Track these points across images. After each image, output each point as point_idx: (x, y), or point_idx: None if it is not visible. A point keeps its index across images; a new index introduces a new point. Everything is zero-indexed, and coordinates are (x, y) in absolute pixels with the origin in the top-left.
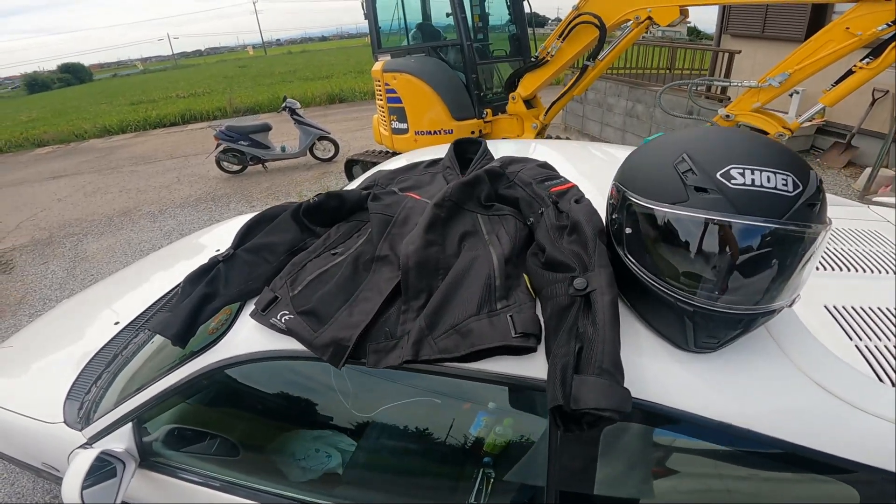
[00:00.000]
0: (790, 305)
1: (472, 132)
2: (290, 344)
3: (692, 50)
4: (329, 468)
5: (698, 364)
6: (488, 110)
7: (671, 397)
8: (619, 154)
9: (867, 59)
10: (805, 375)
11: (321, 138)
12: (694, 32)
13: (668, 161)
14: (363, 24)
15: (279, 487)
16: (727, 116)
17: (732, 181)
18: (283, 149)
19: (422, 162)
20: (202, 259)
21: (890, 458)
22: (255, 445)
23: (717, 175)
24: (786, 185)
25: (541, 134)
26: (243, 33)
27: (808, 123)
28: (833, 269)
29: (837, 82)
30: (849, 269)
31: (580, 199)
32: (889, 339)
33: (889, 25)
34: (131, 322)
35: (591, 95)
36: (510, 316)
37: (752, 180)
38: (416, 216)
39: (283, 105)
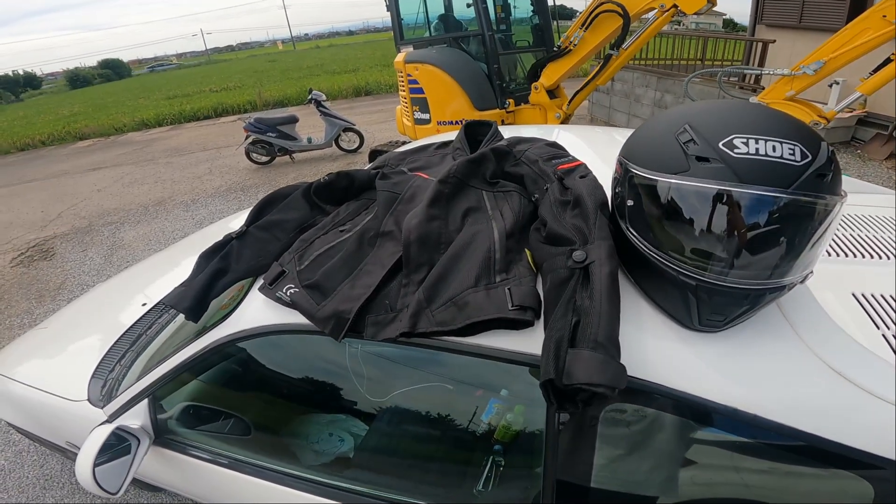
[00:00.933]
0: (802, 282)
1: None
2: (297, 318)
3: (724, 40)
4: (341, 452)
5: (704, 344)
6: (511, 100)
7: (673, 378)
8: None
9: None
10: (820, 360)
11: (346, 130)
12: (730, 24)
13: (670, 132)
14: (389, 19)
15: (288, 467)
16: (757, 104)
17: (735, 150)
18: (309, 140)
19: (433, 143)
20: None
21: None
22: (266, 426)
23: (720, 144)
24: (793, 154)
25: (564, 124)
26: (273, 28)
27: (849, 114)
28: (863, 257)
29: (875, 71)
30: (879, 257)
31: (586, 175)
32: None
33: None
34: (158, 303)
35: (618, 86)
36: (508, 289)
37: (757, 149)
38: (422, 194)
39: (309, 97)
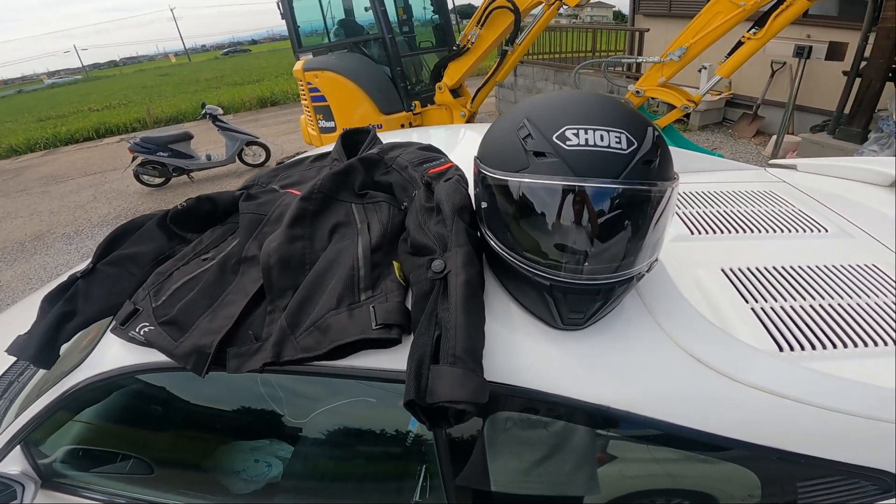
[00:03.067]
0: (648, 271)
1: (402, 125)
2: (160, 356)
3: (608, 31)
4: (271, 477)
5: (572, 343)
6: (416, 102)
7: (546, 381)
8: None
9: (754, 30)
10: (681, 349)
11: (250, 143)
12: (619, 16)
13: (512, 128)
14: None
15: (204, 500)
16: (637, 92)
17: (567, 142)
18: (208, 157)
19: (309, 156)
20: None
21: (776, 434)
22: (178, 462)
23: (553, 137)
24: (619, 142)
25: (470, 121)
26: (164, 41)
27: (719, 97)
28: (729, 232)
29: (730, 54)
30: (745, 231)
31: (451, 177)
32: (785, 300)
33: None
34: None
35: (520, 81)
36: (372, 307)
37: (586, 140)
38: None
39: (203, 112)
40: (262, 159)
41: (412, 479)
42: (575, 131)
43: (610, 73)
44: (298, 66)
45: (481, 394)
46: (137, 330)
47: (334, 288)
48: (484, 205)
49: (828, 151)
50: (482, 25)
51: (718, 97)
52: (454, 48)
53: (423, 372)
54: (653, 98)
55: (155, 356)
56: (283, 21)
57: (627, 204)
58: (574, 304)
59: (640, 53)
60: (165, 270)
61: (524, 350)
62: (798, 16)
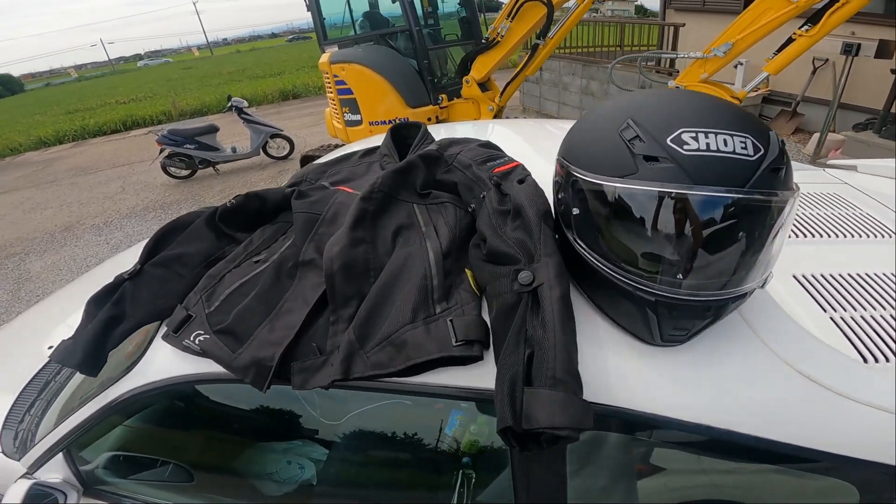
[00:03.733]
0: (763, 286)
1: (429, 119)
2: (215, 366)
3: (639, 25)
4: (304, 479)
5: (667, 359)
6: (443, 96)
7: (639, 400)
8: None
9: (806, 27)
10: (787, 365)
11: (274, 136)
12: (641, 10)
13: (613, 129)
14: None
15: None
16: (676, 88)
17: (685, 147)
18: (233, 149)
19: (357, 151)
20: None
21: (885, 451)
22: (214, 466)
23: (668, 141)
24: (745, 148)
25: (498, 116)
26: (187, 35)
27: (755, 93)
28: (795, 236)
29: (779, 50)
30: (814, 235)
31: (524, 178)
32: (864, 309)
33: None
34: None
35: (546, 76)
36: (450, 321)
37: (707, 145)
38: (346, 213)
39: (229, 105)
40: (286, 152)
41: (448, 484)
42: (693, 134)
43: (643, 68)
44: (324, 58)
45: (586, 419)
46: (192, 338)
47: (407, 299)
48: (576, 211)
49: (873, 150)
50: (513, 18)
51: (756, 94)
52: (483, 41)
53: (518, 395)
54: None
55: (209, 366)
56: (304, 14)
57: (753, 216)
58: (680, 321)
59: (674, 48)
60: (217, 273)
61: (613, 366)
62: (854, 13)
